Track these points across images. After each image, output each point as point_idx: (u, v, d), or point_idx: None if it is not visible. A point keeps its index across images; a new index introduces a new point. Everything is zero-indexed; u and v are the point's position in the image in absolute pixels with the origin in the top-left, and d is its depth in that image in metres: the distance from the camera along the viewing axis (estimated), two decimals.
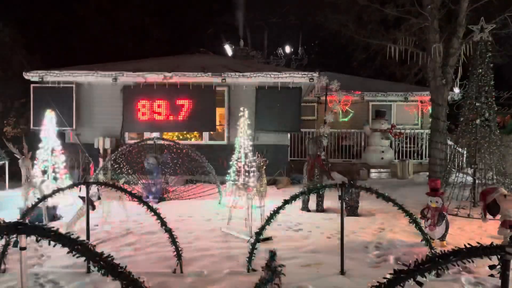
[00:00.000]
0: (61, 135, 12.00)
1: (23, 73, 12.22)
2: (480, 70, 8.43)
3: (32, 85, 12.29)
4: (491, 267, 4.47)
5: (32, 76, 12.11)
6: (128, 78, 12.01)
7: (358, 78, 18.83)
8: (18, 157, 6.91)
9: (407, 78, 19.82)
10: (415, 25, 13.01)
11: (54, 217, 7.26)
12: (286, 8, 22.23)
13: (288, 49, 23.59)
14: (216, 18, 27.04)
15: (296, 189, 10.29)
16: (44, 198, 4.81)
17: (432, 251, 4.54)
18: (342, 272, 4.48)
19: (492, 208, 4.87)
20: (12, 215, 7.19)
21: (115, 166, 10.50)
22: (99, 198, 5.88)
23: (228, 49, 22.17)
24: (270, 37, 24.01)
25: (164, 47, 24.69)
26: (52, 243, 2.30)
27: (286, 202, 4.49)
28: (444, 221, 5.56)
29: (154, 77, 12.00)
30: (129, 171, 10.18)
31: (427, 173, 12.24)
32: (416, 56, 12.79)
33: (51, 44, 22.10)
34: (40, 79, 12.11)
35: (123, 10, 25.55)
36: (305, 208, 8.16)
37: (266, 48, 23.89)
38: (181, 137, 13.04)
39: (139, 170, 10.27)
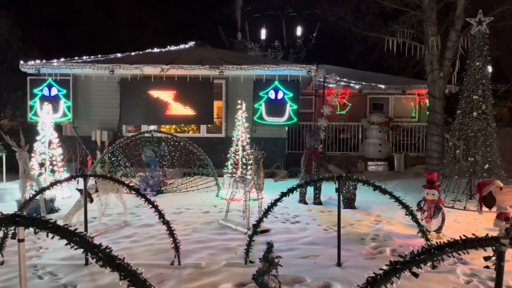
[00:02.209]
0: (58, 128, 11.98)
1: (20, 65, 12.15)
2: (478, 63, 8.44)
3: (28, 78, 12.24)
4: (486, 258, 4.52)
5: (28, 68, 12.05)
6: (125, 70, 11.96)
7: (356, 71, 18.82)
8: (15, 149, 6.90)
9: (404, 71, 19.81)
10: (413, 17, 12.99)
11: (52, 210, 7.27)
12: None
13: (285, 41, 23.52)
14: (214, 11, 26.90)
15: (293, 182, 10.34)
16: (41, 190, 4.81)
17: (428, 242, 4.58)
18: (339, 263, 4.51)
19: (488, 201, 4.89)
20: (10, 208, 7.22)
21: (113, 159, 10.50)
22: (96, 191, 5.88)
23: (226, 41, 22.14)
24: (268, 30, 23.88)
25: (161, 40, 24.56)
26: (50, 235, 2.31)
27: (283, 194, 4.50)
28: (440, 213, 5.60)
29: (151, 70, 11.96)
30: (127, 163, 10.18)
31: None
32: (414, 49, 12.78)
33: (47, 36, 21.96)
34: (37, 72, 12.05)
35: (120, 2, 25.38)
36: (303, 200, 8.20)
37: (264, 41, 23.76)
38: (178, 130, 13.03)
39: (136, 162, 10.28)
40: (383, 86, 15.81)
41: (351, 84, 15.80)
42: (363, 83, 15.89)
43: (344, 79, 15.46)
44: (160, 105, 12.20)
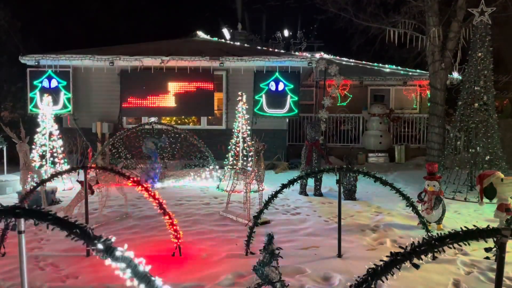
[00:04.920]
0: (59, 120, 11.96)
1: (19, 57, 12.09)
2: (480, 54, 8.39)
3: (28, 69, 12.19)
4: (488, 249, 4.52)
5: (28, 60, 12.00)
6: (125, 62, 11.91)
7: (357, 62, 18.71)
8: (16, 141, 6.89)
9: (406, 62, 19.69)
10: (414, 8, 12.87)
11: (52, 201, 7.28)
12: None
13: (286, 32, 23.37)
14: (214, 1, 26.74)
15: (294, 174, 10.35)
16: (42, 182, 4.80)
17: (429, 234, 4.58)
18: (339, 255, 4.52)
19: (488, 192, 4.89)
20: (10, 200, 7.23)
21: (113, 150, 10.50)
22: (97, 182, 5.88)
23: (226, 33, 21.95)
24: (269, 21, 23.78)
25: (161, 31, 24.46)
26: (51, 227, 2.30)
27: (284, 186, 4.50)
28: (440, 204, 5.60)
29: (151, 61, 11.90)
30: (127, 155, 10.19)
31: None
32: (415, 39, 12.69)
33: (47, 28, 21.84)
34: (36, 63, 12.00)
35: None
36: (303, 192, 8.20)
37: (265, 32, 23.65)
38: (179, 121, 13.01)
39: (137, 154, 10.28)
40: (384, 78, 15.73)
41: (352, 76, 15.72)
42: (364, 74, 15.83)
43: (345, 71, 15.38)
44: (160, 97, 12.17)
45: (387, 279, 2.26)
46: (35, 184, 4.86)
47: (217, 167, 9.68)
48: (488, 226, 2.27)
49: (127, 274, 2.22)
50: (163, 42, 15.06)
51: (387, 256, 2.28)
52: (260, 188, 6.34)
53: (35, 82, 12.10)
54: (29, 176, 7.02)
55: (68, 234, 2.29)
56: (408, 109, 15.95)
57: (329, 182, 8.79)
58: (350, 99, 16.28)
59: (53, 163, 8.76)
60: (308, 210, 6.89)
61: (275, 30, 23.41)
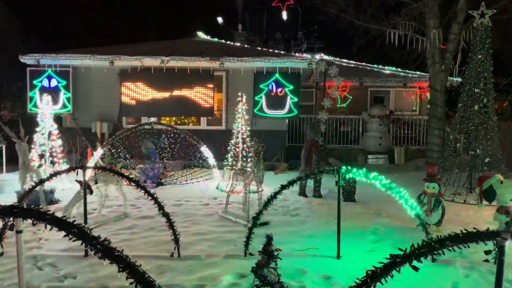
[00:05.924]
0: (58, 119, 11.95)
1: (19, 56, 12.08)
2: (480, 56, 8.39)
3: (28, 69, 12.18)
4: (487, 252, 4.51)
5: (28, 59, 11.99)
6: (125, 62, 11.90)
7: (357, 64, 18.71)
8: (15, 141, 6.88)
9: (406, 64, 19.70)
10: (415, 10, 12.88)
11: (51, 201, 7.27)
12: None
13: (286, 33, 23.40)
14: (214, 2, 26.75)
15: (293, 175, 10.33)
16: (41, 182, 4.79)
17: (428, 236, 4.57)
18: (338, 256, 4.51)
19: (488, 194, 4.88)
20: (9, 199, 7.21)
21: (113, 150, 10.48)
22: (96, 182, 5.87)
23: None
24: (269, 21, 23.76)
25: (161, 31, 24.46)
26: (49, 226, 2.30)
27: (283, 187, 4.50)
28: (440, 206, 5.59)
29: (151, 61, 11.90)
30: (127, 155, 10.17)
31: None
32: (416, 41, 12.70)
33: (47, 27, 21.84)
34: (36, 62, 11.99)
35: None
36: (303, 193, 8.19)
37: (265, 33, 23.64)
38: (178, 122, 13.01)
39: (136, 154, 10.26)
40: (384, 79, 15.74)
41: (352, 77, 15.73)
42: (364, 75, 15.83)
43: (345, 72, 15.37)
44: (160, 97, 12.16)
45: (386, 281, 2.25)
46: (34, 184, 4.85)
47: (216, 167, 9.66)
48: (487, 228, 2.27)
49: (125, 275, 2.21)
50: (163, 42, 15.05)
51: (386, 258, 2.28)
52: (260, 189, 6.33)
53: (34, 82, 12.08)
54: (28, 175, 7.01)
55: (66, 234, 2.28)
56: (408, 111, 15.95)
57: (329, 183, 8.79)
58: (350, 100, 16.29)
59: (52, 162, 8.74)
60: (308, 211, 6.88)
61: (275, 31, 23.42)
